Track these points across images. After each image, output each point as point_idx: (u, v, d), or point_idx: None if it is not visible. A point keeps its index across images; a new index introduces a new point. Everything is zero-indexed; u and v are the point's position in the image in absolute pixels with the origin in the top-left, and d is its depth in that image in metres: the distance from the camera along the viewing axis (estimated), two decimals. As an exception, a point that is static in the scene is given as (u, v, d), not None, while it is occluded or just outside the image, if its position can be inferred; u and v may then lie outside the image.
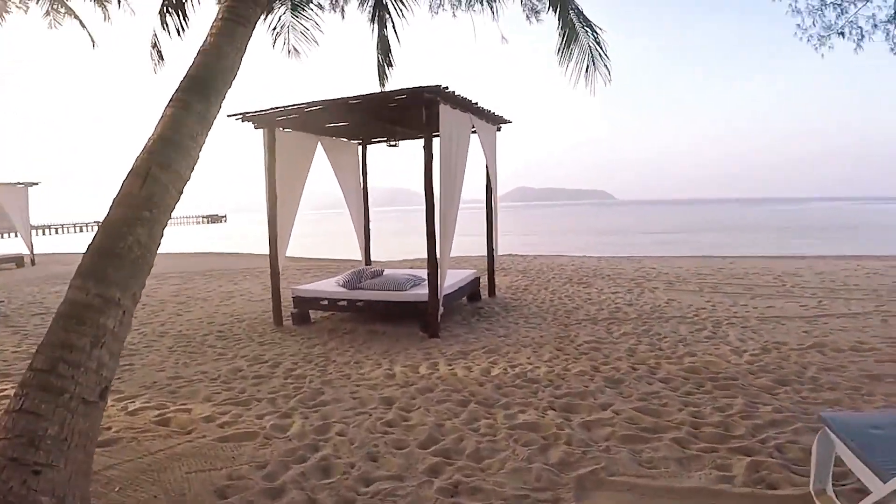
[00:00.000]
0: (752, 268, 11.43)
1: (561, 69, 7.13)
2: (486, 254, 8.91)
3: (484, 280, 8.87)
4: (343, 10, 10.73)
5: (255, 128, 7.25)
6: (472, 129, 7.40)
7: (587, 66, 7.04)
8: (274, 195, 7.24)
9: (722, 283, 9.55)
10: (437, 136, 6.37)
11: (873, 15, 11.67)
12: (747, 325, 6.60)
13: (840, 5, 11.70)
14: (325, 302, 7.19)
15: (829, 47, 12.15)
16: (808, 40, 11.98)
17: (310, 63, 9.34)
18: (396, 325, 6.94)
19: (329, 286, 7.44)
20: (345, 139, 9.25)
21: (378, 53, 8.80)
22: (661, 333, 6.27)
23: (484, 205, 8.78)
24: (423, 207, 6.38)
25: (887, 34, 11.98)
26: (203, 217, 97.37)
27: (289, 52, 9.02)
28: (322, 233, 40.31)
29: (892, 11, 11.44)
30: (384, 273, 7.42)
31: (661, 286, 9.31)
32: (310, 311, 7.44)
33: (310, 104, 6.58)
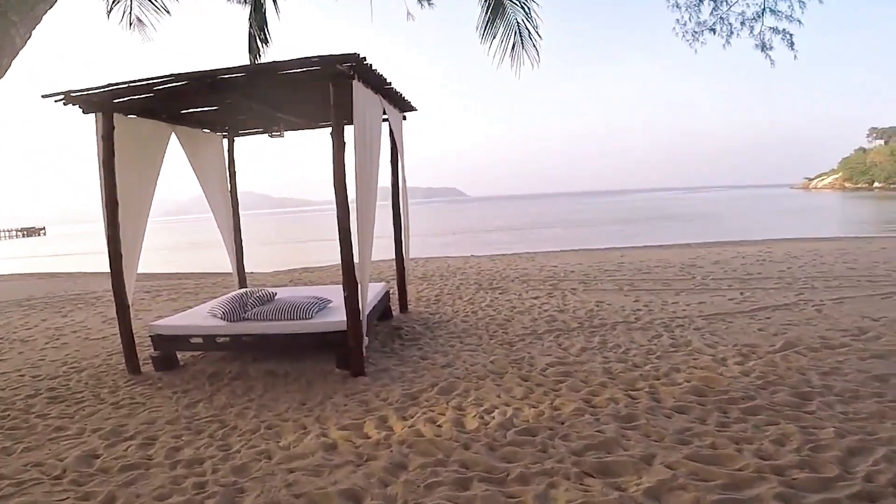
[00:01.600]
0: (647, 260, 11.26)
1: (482, 47, 6.11)
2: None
3: (392, 292, 7.53)
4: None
5: (85, 112, 5.31)
6: (384, 116, 6.04)
7: (513, 45, 6.04)
8: (114, 200, 5.33)
9: (635, 279, 9.09)
10: (347, 124, 4.96)
11: (742, 12, 12.12)
12: (698, 326, 6.07)
13: (714, 1, 12.00)
14: (199, 339, 5.44)
15: (702, 43, 12.52)
16: (684, 36, 12.26)
17: (160, 41, 7.38)
18: (299, 361, 5.41)
19: (201, 318, 5.67)
20: (206, 130, 7.40)
21: (251, 26, 7.12)
22: (620, 345, 5.46)
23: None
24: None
25: (751, 30, 12.51)
26: (18, 230, 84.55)
27: (130, 23, 7.05)
28: (170, 244, 36.01)
29: (760, 9, 11.92)
30: (276, 296, 5.77)
31: (579, 287, 8.61)
32: (177, 351, 5.64)
33: (165, 78, 4.84)
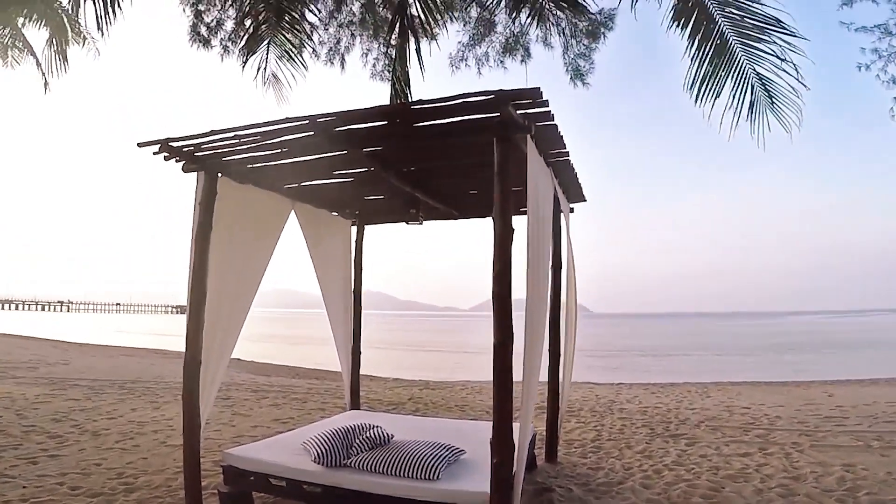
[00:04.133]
0: (871, 401, 8.47)
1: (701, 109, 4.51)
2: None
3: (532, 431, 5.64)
4: (343, 60, 8.38)
5: (185, 171, 4.26)
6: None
7: (751, 103, 4.37)
8: (202, 288, 4.10)
9: (879, 431, 6.48)
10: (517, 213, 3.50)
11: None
12: None
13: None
14: (282, 483, 3.90)
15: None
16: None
17: (295, 98, 6.64)
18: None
19: (290, 453, 4.12)
20: (334, 213, 6.28)
21: (393, 85, 6.13)
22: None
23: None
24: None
25: None
26: (174, 307, 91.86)
27: (265, 80, 6.38)
28: (295, 335, 36.47)
29: None
30: (392, 440, 4.11)
31: (802, 441, 6.15)
32: (253, 491, 4.12)
33: (287, 123, 3.65)
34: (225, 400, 8.33)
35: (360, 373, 6.48)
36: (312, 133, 3.66)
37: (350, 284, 6.44)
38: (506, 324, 3.18)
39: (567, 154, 4.32)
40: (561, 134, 3.86)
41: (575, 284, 5.43)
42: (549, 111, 3.41)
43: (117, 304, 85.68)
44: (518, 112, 3.30)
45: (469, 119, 3.39)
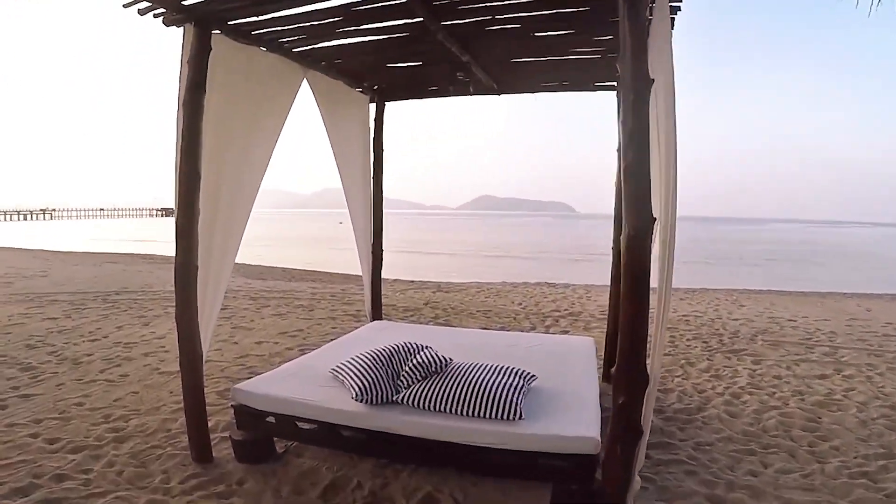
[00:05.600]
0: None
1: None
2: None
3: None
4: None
5: (167, 23, 3.14)
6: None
7: None
8: (195, 169, 3.10)
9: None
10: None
11: None
12: None
13: None
14: (312, 426, 3.09)
15: None
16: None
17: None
18: (475, 483, 2.94)
19: (316, 386, 3.28)
20: (354, 86, 5.15)
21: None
22: None
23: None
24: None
25: None
26: (159, 210, 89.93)
27: None
28: (288, 236, 35.41)
29: None
30: (450, 363, 3.19)
31: (874, 362, 5.51)
32: (275, 437, 3.32)
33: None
34: (222, 310, 7.51)
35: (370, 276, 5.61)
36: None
37: (369, 173, 5.48)
38: (643, 207, 2.27)
39: (678, 9, 3.25)
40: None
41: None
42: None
43: (101, 209, 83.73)
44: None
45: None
